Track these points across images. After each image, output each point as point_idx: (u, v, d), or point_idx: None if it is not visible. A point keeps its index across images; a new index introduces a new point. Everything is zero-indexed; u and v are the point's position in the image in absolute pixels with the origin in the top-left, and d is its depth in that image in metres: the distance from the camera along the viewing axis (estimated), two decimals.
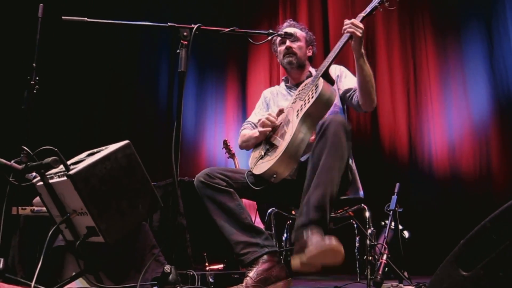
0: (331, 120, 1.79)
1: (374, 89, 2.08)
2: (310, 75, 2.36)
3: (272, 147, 2.02)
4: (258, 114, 2.45)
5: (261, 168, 1.99)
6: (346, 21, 1.99)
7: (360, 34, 1.96)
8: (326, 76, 2.01)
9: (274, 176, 1.93)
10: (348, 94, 2.22)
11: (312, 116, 1.95)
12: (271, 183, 1.97)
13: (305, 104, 1.94)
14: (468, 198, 3.78)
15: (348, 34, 1.98)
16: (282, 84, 2.48)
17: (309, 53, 2.43)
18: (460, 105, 4.05)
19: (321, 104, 1.92)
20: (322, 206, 1.69)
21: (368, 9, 2.03)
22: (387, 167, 4.20)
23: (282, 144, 1.93)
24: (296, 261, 1.58)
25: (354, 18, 2.00)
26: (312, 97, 1.91)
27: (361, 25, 1.97)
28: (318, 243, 1.54)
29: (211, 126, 5.25)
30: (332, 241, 1.53)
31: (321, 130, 1.79)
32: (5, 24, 4.34)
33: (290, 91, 2.41)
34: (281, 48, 2.38)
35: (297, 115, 1.95)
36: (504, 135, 3.79)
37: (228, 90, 5.30)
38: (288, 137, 1.91)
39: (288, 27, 2.40)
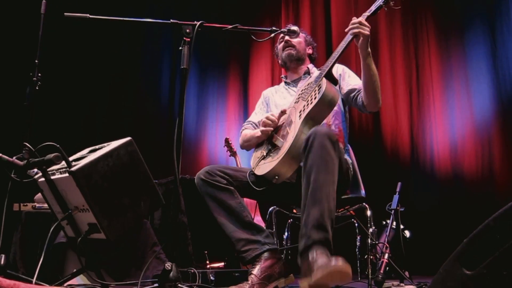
0: (316, 133, 1.72)
1: (379, 89, 2.06)
2: (308, 71, 2.37)
3: (274, 147, 2.02)
4: (258, 114, 2.46)
5: (263, 169, 1.98)
6: (354, 21, 1.96)
7: (367, 33, 1.94)
8: (329, 76, 2.00)
9: (277, 177, 1.93)
10: (352, 95, 2.20)
11: (315, 117, 1.94)
12: (273, 184, 1.97)
13: (307, 104, 1.94)
14: (470, 198, 3.77)
15: (353, 34, 1.96)
16: (282, 83, 2.49)
17: (309, 51, 2.46)
18: (463, 104, 4.03)
19: (324, 104, 1.92)
20: (322, 224, 1.63)
21: (373, 8, 2.00)
22: (389, 166, 4.19)
23: (285, 145, 1.92)
24: (304, 285, 1.52)
25: (358, 17, 1.99)
26: (315, 98, 1.90)
27: (367, 24, 1.95)
28: (324, 265, 1.48)
29: (212, 124, 5.25)
30: (338, 262, 1.46)
31: (307, 145, 1.73)
32: (8, 20, 4.34)
33: (288, 87, 2.42)
34: (281, 45, 2.41)
35: (300, 115, 1.94)
36: (507, 135, 3.78)
37: (230, 89, 5.29)
38: (290, 138, 1.90)
39: None
